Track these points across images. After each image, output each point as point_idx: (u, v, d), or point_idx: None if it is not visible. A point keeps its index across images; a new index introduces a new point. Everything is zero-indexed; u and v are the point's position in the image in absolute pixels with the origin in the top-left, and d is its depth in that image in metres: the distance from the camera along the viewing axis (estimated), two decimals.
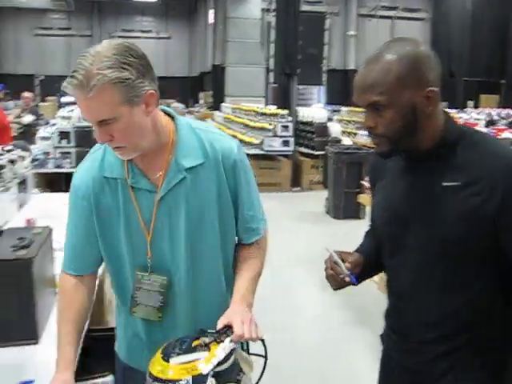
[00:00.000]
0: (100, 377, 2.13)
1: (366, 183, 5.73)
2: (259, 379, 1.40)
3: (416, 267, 1.46)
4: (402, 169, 1.48)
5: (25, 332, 1.84)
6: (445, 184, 1.36)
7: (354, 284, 1.55)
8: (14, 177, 4.31)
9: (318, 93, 17.09)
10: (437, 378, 1.47)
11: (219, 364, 1.30)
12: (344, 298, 5.05)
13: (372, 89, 1.33)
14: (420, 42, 1.38)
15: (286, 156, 10.73)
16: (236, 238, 1.68)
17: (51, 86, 17.54)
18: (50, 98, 18.23)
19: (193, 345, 1.35)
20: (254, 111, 11.88)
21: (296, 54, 11.65)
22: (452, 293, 1.41)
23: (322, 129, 10.94)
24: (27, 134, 7.90)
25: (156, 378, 1.29)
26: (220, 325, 1.43)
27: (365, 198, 5.76)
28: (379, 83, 1.32)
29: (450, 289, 1.42)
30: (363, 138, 11.07)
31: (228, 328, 1.40)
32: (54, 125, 7.83)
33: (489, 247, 1.36)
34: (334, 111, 16.03)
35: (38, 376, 1.56)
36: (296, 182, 10.64)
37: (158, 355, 1.35)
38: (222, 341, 1.35)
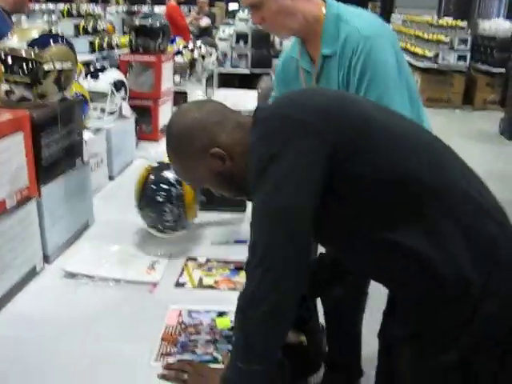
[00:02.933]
0: None
1: None
2: None
3: None
4: None
5: (238, 202, 2.02)
6: None
7: None
8: (204, 71, 4.54)
9: (502, 4, 15.49)
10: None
11: None
12: None
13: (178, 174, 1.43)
14: (188, 112, 1.28)
15: (459, 71, 10.08)
16: None
17: None
18: (218, 3, 18.49)
19: None
20: (429, 23, 11.20)
21: None
22: None
23: (505, 44, 10.04)
24: (204, 37, 8.07)
25: None
26: None
27: None
28: (180, 176, 1.45)
29: None
30: None
31: None
32: (232, 25, 8.00)
33: None
34: None
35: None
36: (468, 99, 10.03)
37: None
38: None
